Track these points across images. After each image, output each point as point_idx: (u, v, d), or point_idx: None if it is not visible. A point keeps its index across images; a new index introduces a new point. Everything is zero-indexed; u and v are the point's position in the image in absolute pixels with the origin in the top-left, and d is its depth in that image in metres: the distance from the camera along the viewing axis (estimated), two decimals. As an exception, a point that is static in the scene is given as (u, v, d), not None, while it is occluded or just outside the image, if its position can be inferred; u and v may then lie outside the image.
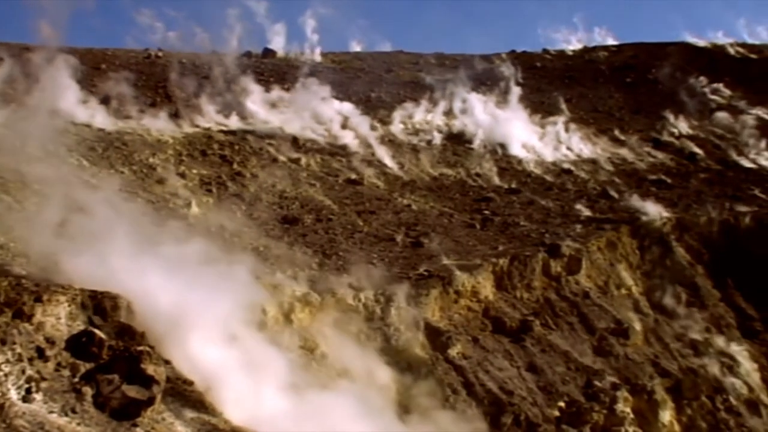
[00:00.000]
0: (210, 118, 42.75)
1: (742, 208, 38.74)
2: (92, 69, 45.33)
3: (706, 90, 64.89)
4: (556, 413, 24.62)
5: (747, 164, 50.05)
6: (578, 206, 39.00)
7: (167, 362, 13.97)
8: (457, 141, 49.28)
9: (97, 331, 13.04)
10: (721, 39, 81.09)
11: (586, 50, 79.23)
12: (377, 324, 24.24)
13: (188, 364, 14.64)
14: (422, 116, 51.69)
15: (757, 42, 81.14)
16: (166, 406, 12.73)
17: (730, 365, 31.13)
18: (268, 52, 63.29)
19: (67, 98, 37.31)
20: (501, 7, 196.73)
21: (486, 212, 37.57)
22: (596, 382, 26.19)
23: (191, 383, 14.10)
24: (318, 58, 65.14)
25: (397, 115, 50.61)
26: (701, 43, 79.41)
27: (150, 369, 12.36)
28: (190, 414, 13.04)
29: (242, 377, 15.54)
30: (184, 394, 13.56)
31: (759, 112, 60.56)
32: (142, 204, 27.25)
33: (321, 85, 50.66)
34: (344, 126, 45.81)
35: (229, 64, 50.79)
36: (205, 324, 15.60)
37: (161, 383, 12.50)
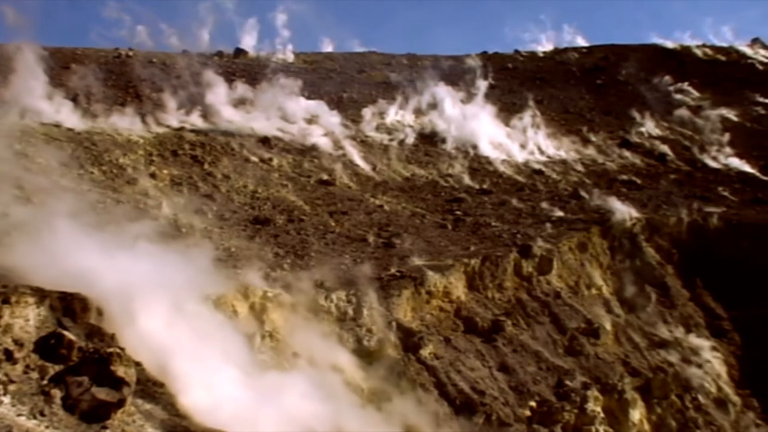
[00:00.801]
0: (181, 118, 42.52)
1: (711, 209, 39.13)
2: (62, 68, 44.91)
3: (676, 91, 65.57)
4: (528, 413, 24.69)
5: (715, 165, 50.62)
6: (549, 207, 39.23)
7: (138, 364, 13.85)
8: (429, 142, 49.42)
9: (66, 333, 12.88)
10: (689, 41, 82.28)
11: (556, 52, 79.87)
12: (349, 325, 24.19)
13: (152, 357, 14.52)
14: (394, 117, 51.80)
15: (724, 44, 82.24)
16: (137, 408, 12.61)
17: (699, 364, 31.42)
18: (240, 52, 63.11)
19: (36, 97, 36.96)
20: (470, 7, 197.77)
21: (458, 213, 37.66)
22: (567, 382, 26.31)
23: (162, 385, 13.99)
24: (290, 58, 65.06)
25: (369, 115, 50.65)
26: (671, 45, 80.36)
27: (120, 371, 12.24)
28: (161, 416, 12.94)
29: (194, 355, 15.37)
30: (155, 396, 13.45)
31: (727, 113, 61.28)
32: (111, 204, 27.04)
33: (292, 86, 50.59)
34: (316, 126, 45.76)
35: (200, 64, 50.57)
36: (163, 309, 15.50)
37: (131, 385, 12.38)
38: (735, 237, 37.05)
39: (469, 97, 54.82)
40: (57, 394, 11.75)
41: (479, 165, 47.00)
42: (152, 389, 13.67)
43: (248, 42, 65.36)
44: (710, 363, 31.83)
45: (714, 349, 32.71)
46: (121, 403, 12.10)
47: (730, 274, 35.65)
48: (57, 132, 34.89)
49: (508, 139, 51.52)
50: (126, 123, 38.96)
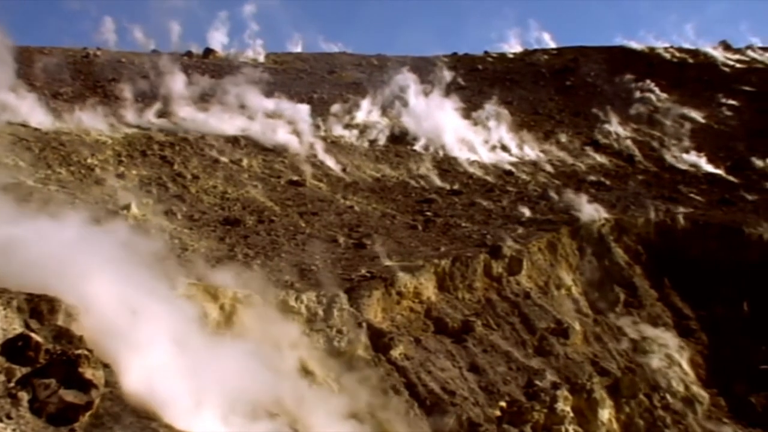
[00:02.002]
0: (150, 118, 42.23)
1: (679, 210, 39.48)
2: (29, 67, 44.44)
3: (644, 93, 66.15)
4: (498, 413, 24.77)
5: (683, 166, 51.11)
6: (519, 207, 39.42)
7: (106, 366, 13.73)
8: (400, 142, 49.49)
9: (33, 335, 12.73)
10: (653, 40, 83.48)
11: (526, 53, 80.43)
12: (319, 326, 24.14)
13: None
14: (364, 117, 51.78)
15: (687, 44, 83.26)
16: (105, 411, 12.50)
17: (667, 364, 31.70)
18: (209, 52, 62.84)
19: (2, 96, 36.52)
20: (438, 6, 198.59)
21: (428, 213, 37.73)
22: (537, 382, 26.43)
23: (131, 387, 13.87)
24: (260, 58, 64.90)
25: (340, 116, 50.61)
26: (639, 47, 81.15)
27: (88, 373, 12.12)
28: (129, 418, 12.83)
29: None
30: (124, 399, 13.34)
31: (694, 114, 61.96)
32: (80, 205, 26.78)
33: (262, 86, 50.44)
34: (286, 127, 45.63)
35: (169, 64, 50.27)
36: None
37: (100, 387, 12.27)
38: (702, 237, 37.42)
39: (440, 99, 54.91)
40: (24, 396, 11.61)
41: (449, 166, 47.14)
42: (121, 391, 13.54)
43: (218, 38, 65.26)
44: (678, 362, 32.13)
45: (682, 348, 33.02)
46: (89, 406, 11.99)
47: (697, 274, 36.01)
48: (24, 132, 34.52)
49: (478, 140, 51.71)
50: (94, 123, 38.60)
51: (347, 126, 49.77)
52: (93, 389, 12.08)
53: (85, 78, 47.87)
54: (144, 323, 15.02)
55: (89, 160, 34.18)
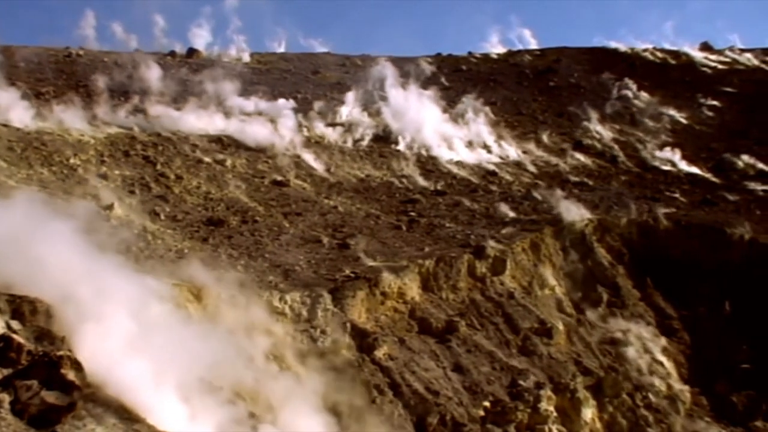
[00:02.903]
0: (133, 118, 42.05)
1: (661, 210, 39.61)
2: (11, 67, 44.20)
3: (627, 93, 66.43)
4: (482, 413, 24.83)
5: (665, 167, 51.32)
6: (503, 208, 39.47)
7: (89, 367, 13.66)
8: (384, 143, 49.49)
9: (15, 336, 12.69)
10: (632, 39, 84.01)
11: (509, 54, 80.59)
12: (303, 326, 24.15)
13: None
14: (348, 118, 51.74)
15: (671, 46, 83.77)
16: (87, 412, 12.44)
17: (650, 363, 31.83)
18: (193, 52, 62.64)
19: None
20: (420, 5, 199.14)
21: (412, 214, 37.75)
22: (520, 382, 26.50)
23: (113, 388, 13.81)
24: (244, 58, 64.77)
25: (324, 116, 50.59)
26: (623, 47, 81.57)
27: (70, 374, 12.07)
28: (112, 420, 12.78)
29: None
30: (106, 400, 13.28)
31: (677, 115, 62.30)
32: (62, 205, 26.64)
33: (246, 86, 50.35)
34: (270, 127, 45.55)
35: (152, 64, 50.12)
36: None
37: (82, 389, 12.22)
38: (684, 237, 37.57)
39: (424, 98, 54.92)
40: (5, 398, 11.55)
41: (433, 166, 47.16)
42: (103, 392, 13.49)
43: (200, 35, 65.09)
44: (660, 361, 32.26)
45: (664, 348, 33.15)
46: (71, 407, 11.94)
47: (679, 274, 36.16)
48: (6, 131, 34.33)
49: (462, 141, 51.78)
50: (77, 123, 38.42)
51: (331, 126, 49.73)
52: (75, 390, 12.02)
53: (68, 77, 47.67)
54: (103, 299, 14.98)
55: (71, 160, 34.04)
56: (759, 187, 46.88)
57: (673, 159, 52.26)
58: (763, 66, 78.13)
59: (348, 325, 25.02)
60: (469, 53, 79.73)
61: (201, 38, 65.30)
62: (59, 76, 46.57)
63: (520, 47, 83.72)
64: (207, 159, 39.36)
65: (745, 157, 52.25)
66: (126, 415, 13.18)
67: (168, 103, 44.92)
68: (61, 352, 12.50)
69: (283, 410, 19.43)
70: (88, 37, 59.82)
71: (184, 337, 17.10)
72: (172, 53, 61.35)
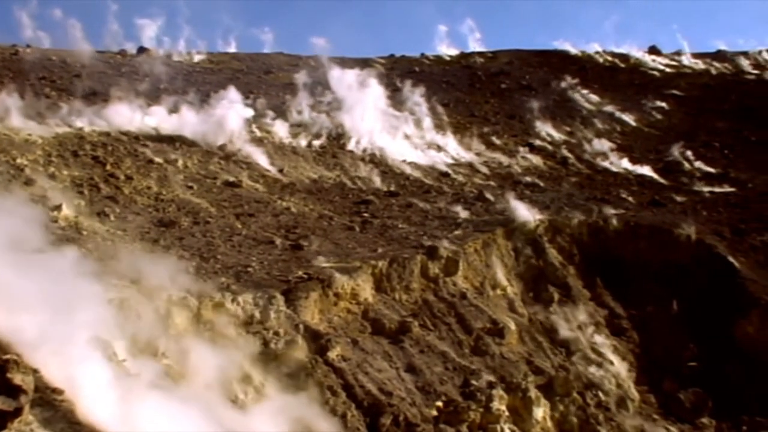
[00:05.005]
0: (82, 117, 41.51)
1: (610, 211, 40.07)
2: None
3: (577, 96, 67.32)
4: (435, 413, 24.86)
5: (614, 168, 52.08)
6: (455, 209, 39.68)
7: (35, 371, 13.46)
8: (337, 144, 49.49)
9: (-41, 340, 12.48)
10: (581, 40, 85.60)
11: (462, 56, 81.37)
12: (256, 328, 23.99)
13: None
14: (301, 118, 51.64)
15: (621, 50, 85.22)
16: (35, 417, 12.25)
17: (600, 362, 32.16)
18: (143, 51, 62.08)
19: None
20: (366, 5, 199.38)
21: (365, 215, 37.77)
22: (473, 381, 26.60)
23: (61, 392, 13.62)
24: (195, 58, 64.34)
25: (276, 117, 50.42)
26: (573, 51, 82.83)
27: (17, 378, 11.87)
28: (60, 425, 12.61)
29: None
30: (54, 404, 13.08)
31: (626, 117, 63.30)
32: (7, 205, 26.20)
33: (198, 86, 49.99)
34: (222, 127, 45.26)
35: (101, 62, 49.54)
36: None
37: (29, 393, 12.02)
38: (633, 238, 38.05)
39: (376, 100, 55.01)
40: (-50, 404, 11.35)
41: (386, 167, 47.28)
42: (51, 397, 13.30)
43: (148, 32, 64.57)
44: (611, 360, 32.64)
45: (614, 347, 33.54)
46: (18, 412, 11.74)
47: (628, 273, 36.65)
48: (-50, 131, 33.68)
49: (415, 142, 51.99)
50: (24, 122, 37.81)
51: (284, 126, 49.58)
52: (22, 395, 11.82)
53: (14, 75, 46.90)
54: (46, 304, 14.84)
55: (18, 160, 33.49)
56: (705, 188, 47.84)
57: (622, 161, 53.06)
58: (710, 69, 79.79)
59: (301, 326, 24.91)
60: (422, 55, 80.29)
61: (148, 28, 64.76)
62: (5, 74, 45.78)
63: (472, 46, 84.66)
64: (158, 159, 38.98)
65: (692, 159, 53.31)
66: (74, 419, 13.01)
67: (118, 103, 44.38)
68: (7, 356, 12.30)
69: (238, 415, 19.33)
70: (36, 35, 58.99)
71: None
72: (122, 52, 60.73)
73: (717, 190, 47.48)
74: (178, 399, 16.55)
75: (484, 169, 49.83)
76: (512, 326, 31.26)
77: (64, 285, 15.86)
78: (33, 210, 25.38)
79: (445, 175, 47.65)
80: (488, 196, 42.29)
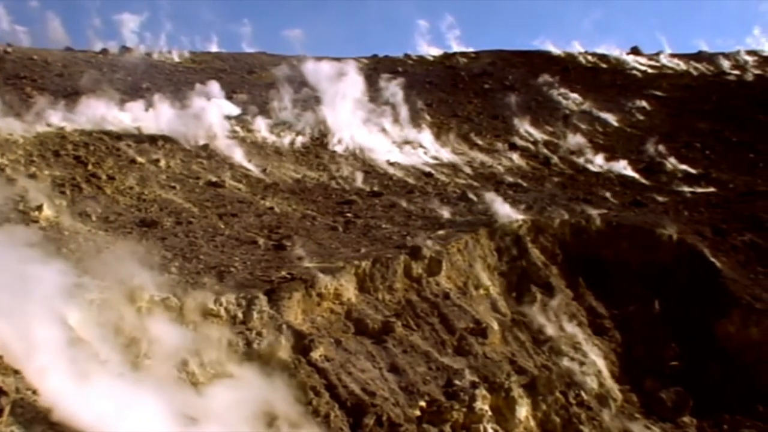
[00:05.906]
0: (63, 117, 41.27)
1: (593, 211, 40.22)
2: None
3: (560, 97, 67.54)
4: (418, 413, 24.87)
5: (597, 168, 52.27)
6: (438, 209, 39.75)
7: (17, 372, 13.39)
8: (320, 144, 49.43)
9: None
10: (561, 38, 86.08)
11: (446, 56, 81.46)
12: (239, 328, 23.95)
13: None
14: (284, 118, 51.54)
15: (602, 51, 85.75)
16: (15, 419, 12.20)
17: (582, 361, 32.29)
18: (125, 50, 61.79)
19: None
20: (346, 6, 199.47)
21: (348, 215, 37.76)
22: (456, 381, 26.63)
23: (42, 394, 13.55)
24: (178, 57, 64.09)
25: (259, 117, 50.31)
26: (556, 51, 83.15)
27: (-2, 380, 11.84)
28: (39, 427, 12.55)
29: None
30: (34, 406, 13.03)
31: (608, 117, 63.58)
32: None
33: (180, 85, 49.79)
34: (205, 127, 45.12)
35: (83, 62, 49.28)
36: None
37: (10, 395, 11.97)
38: (615, 238, 38.19)
39: (360, 100, 54.99)
40: (-70, 405, 11.27)
41: (370, 167, 47.27)
42: (31, 399, 13.24)
43: (129, 27, 64.47)
44: (593, 360, 32.77)
45: (596, 346, 33.67)
46: (-2, 414, 11.70)
47: (610, 273, 36.82)
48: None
49: (398, 142, 52.00)
50: (4, 122, 37.55)
51: (267, 127, 49.49)
52: (3, 397, 11.78)
53: (-5, 75, 46.59)
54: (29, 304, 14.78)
55: (-1, 160, 33.28)
56: (686, 188, 48.10)
57: (604, 161, 53.25)
58: (691, 70, 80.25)
59: (284, 326, 24.87)
60: (406, 55, 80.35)
61: (130, 23, 64.55)
62: (-14, 74, 45.50)
63: (452, 44, 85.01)
64: (140, 159, 38.82)
65: (674, 160, 53.60)
66: (56, 421, 12.96)
67: (100, 102, 44.14)
68: (-13, 357, 12.26)
69: (218, 414, 19.24)
70: (13, 29, 58.73)
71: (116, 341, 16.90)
72: (104, 51, 60.41)
73: (698, 190, 47.73)
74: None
75: (467, 169, 49.91)
76: (495, 326, 31.33)
77: (44, 287, 15.79)
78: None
79: (428, 175, 47.68)
80: (471, 196, 42.38)
